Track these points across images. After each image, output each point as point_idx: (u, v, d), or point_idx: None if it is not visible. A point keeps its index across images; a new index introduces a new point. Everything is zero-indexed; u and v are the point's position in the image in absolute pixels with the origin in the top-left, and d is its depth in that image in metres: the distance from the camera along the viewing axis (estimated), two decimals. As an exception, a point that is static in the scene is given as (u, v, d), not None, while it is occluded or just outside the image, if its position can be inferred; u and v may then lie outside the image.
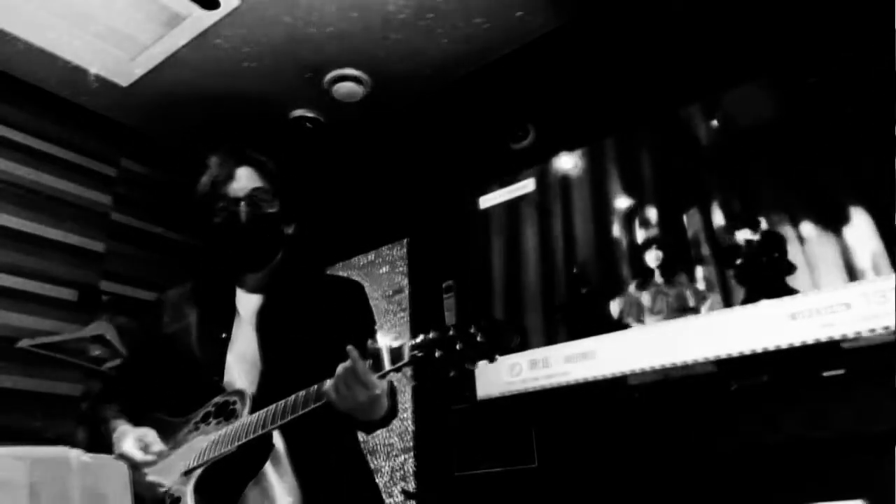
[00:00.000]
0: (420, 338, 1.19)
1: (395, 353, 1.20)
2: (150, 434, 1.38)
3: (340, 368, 1.23)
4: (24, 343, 2.61)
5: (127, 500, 1.00)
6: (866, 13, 1.91)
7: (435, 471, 2.75)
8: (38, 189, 2.85)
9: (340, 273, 3.40)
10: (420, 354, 1.18)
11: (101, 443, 1.46)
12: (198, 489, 1.30)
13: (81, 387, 2.76)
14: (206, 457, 1.32)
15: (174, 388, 1.51)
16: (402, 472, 2.86)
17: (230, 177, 1.52)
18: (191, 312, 1.55)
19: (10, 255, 2.70)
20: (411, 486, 2.79)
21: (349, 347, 1.20)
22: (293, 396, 1.28)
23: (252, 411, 1.33)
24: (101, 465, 1.00)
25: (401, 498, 2.81)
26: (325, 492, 1.39)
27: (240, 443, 1.29)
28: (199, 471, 1.32)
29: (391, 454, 2.91)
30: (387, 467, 2.91)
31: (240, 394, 1.39)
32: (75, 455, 0.94)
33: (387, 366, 1.20)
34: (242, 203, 1.50)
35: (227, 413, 1.38)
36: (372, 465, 2.95)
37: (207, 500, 1.30)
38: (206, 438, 1.36)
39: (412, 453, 2.85)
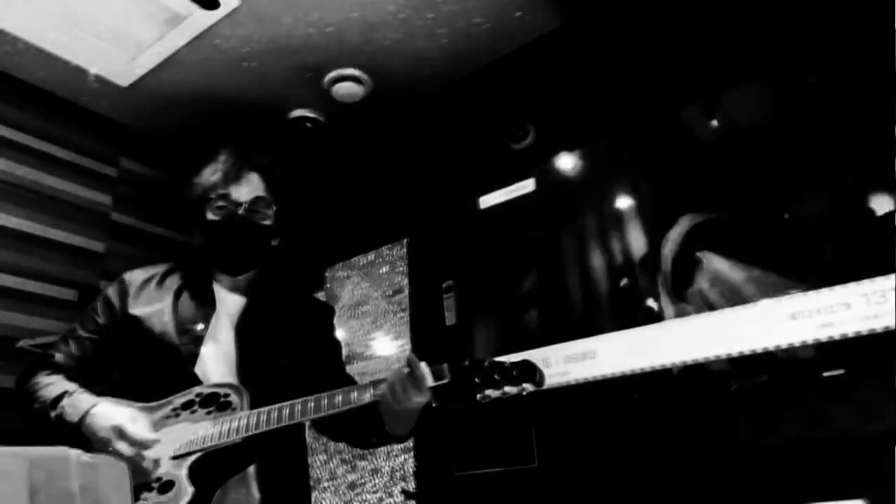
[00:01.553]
0: (457, 363, 1.28)
1: (437, 373, 1.28)
2: (140, 418, 1.37)
3: (395, 374, 1.29)
4: (24, 343, 2.60)
5: (127, 499, 1.00)
6: (866, 13, 1.91)
7: (435, 471, 2.75)
8: (38, 189, 2.85)
9: (339, 273, 3.41)
10: (460, 377, 1.27)
11: (48, 420, 1.43)
12: (191, 475, 1.31)
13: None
14: (206, 444, 1.33)
15: (138, 370, 1.49)
16: (402, 472, 2.86)
17: (237, 179, 1.53)
18: (165, 297, 1.54)
19: (10, 255, 2.70)
20: (411, 486, 2.79)
21: (410, 355, 1.29)
22: (325, 395, 1.31)
23: (252, 405, 1.36)
24: (101, 465, 1.00)
25: (401, 498, 2.81)
26: (279, 496, 1.45)
27: (252, 433, 1.32)
28: (194, 456, 1.33)
29: (391, 454, 2.91)
30: (387, 467, 2.91)
31: (233, 387, 1.40)
32: (75, 455, 0.94)
33: (430, 382, 1.27)
34: (242, 208, 1.52)
35: (219, 405, 1.38)
36: (372, 466, 2.96)
37: (199, 486, 1.31)
38: (198, 426, 1.35)
39: (412, 453, 2.84)
